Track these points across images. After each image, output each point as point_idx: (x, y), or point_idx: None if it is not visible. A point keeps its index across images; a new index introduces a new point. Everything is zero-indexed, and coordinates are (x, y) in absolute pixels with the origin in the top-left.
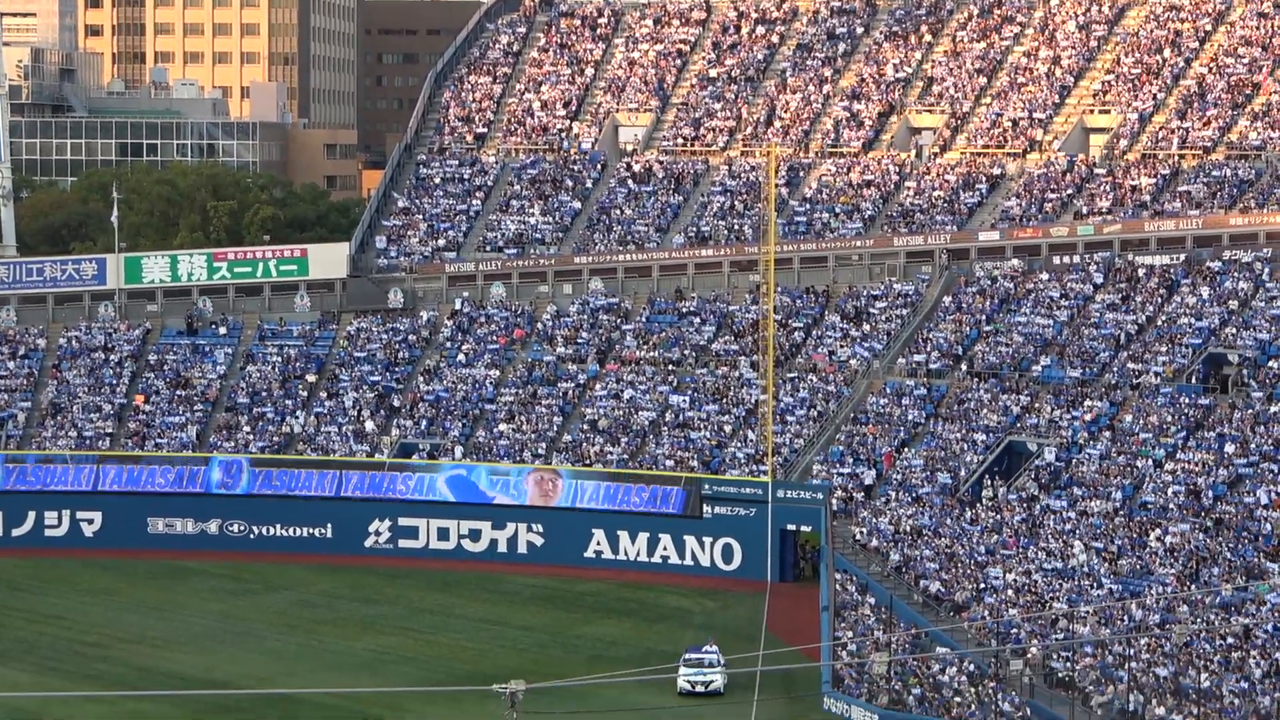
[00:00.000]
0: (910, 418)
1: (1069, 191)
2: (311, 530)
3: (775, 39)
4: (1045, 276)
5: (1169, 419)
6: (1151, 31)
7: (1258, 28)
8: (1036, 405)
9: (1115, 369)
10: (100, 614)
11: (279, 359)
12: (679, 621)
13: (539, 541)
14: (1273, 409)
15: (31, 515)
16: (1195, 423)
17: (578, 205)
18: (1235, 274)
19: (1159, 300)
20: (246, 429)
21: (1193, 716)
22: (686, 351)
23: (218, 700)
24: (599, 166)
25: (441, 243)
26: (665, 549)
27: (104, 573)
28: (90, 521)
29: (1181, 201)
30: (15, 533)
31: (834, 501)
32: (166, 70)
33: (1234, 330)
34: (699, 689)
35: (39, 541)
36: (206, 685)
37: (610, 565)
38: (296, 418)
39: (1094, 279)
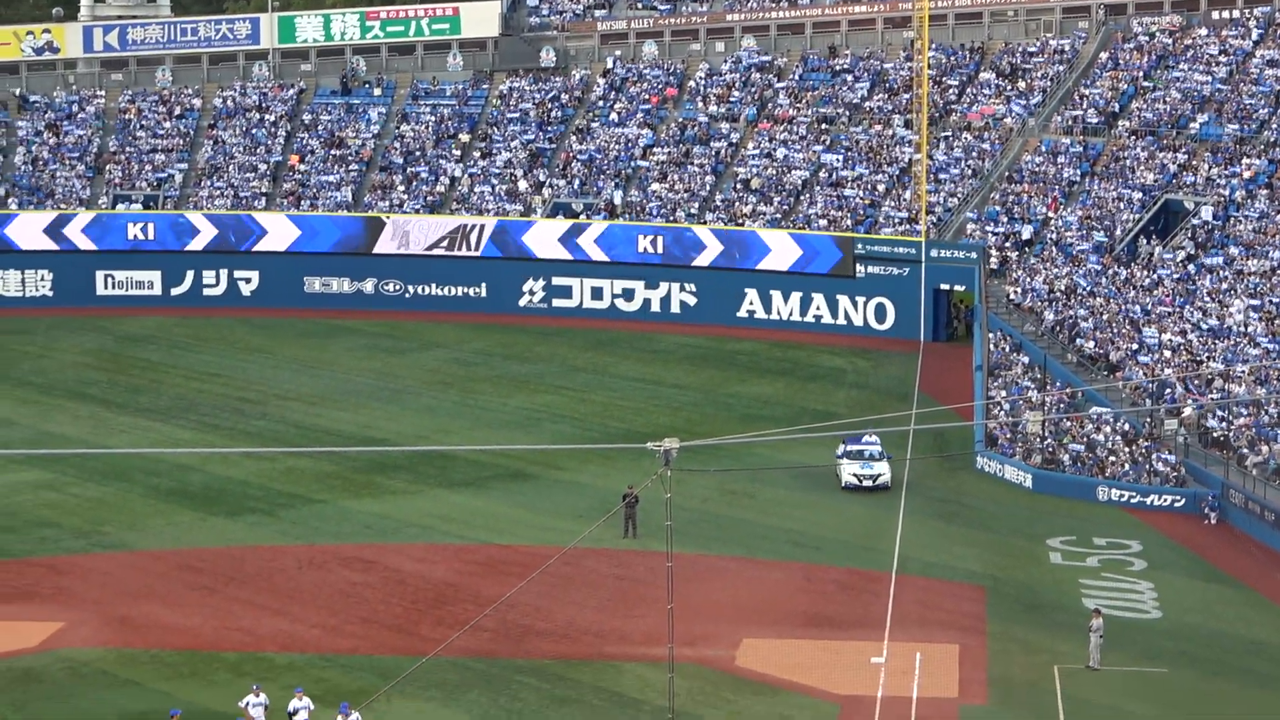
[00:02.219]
0: (1065, 176)
1: None
2: (466, 289)
3: None
4: (1204, 32)
5: None
6: None
7: None
8: (1194, 163)
9: (1274, 126)
10: (257, 372)
11: (432, 118)
12: (833, 381)
13: (692, 301)
14: None
15: (190, 274)
16: None
17: None
18: None
19: None
20: (401, 188)
21: None
22: (840, 110)
23: (374, 457)
24: None
25: (593, 0)
26: (818, 308)
27: (261, 331)
28: (248, 281)
29: None
30: (174, 292)
31: (989, 261)
32: None
33: None
34: (865, 483)
35: (197, 300)
36: (363, 442)
37: (763, 325)
38: (450, 177)
39: (1253, 35)
